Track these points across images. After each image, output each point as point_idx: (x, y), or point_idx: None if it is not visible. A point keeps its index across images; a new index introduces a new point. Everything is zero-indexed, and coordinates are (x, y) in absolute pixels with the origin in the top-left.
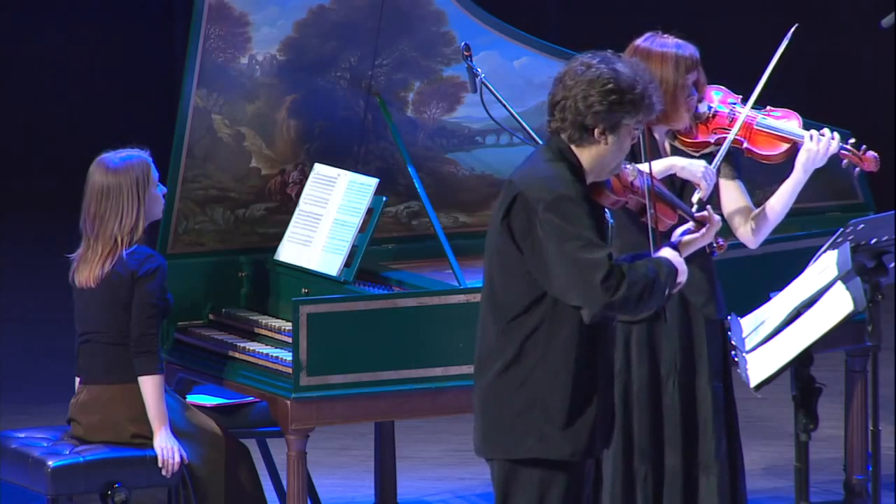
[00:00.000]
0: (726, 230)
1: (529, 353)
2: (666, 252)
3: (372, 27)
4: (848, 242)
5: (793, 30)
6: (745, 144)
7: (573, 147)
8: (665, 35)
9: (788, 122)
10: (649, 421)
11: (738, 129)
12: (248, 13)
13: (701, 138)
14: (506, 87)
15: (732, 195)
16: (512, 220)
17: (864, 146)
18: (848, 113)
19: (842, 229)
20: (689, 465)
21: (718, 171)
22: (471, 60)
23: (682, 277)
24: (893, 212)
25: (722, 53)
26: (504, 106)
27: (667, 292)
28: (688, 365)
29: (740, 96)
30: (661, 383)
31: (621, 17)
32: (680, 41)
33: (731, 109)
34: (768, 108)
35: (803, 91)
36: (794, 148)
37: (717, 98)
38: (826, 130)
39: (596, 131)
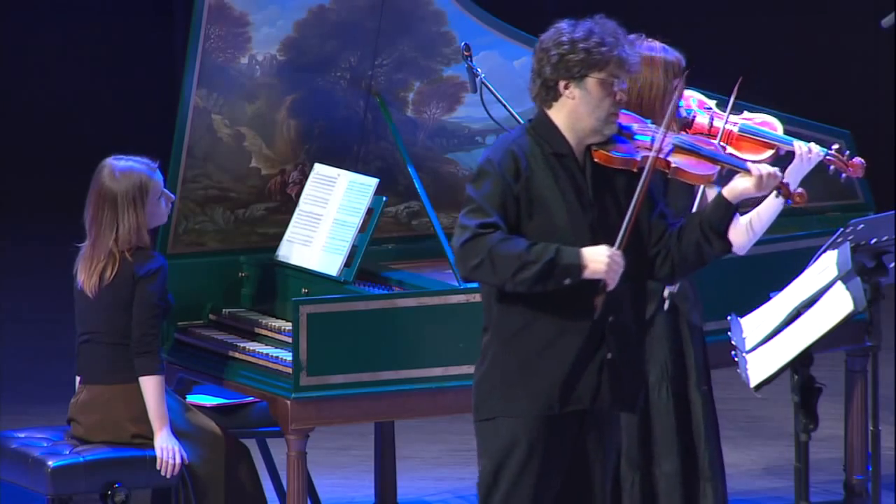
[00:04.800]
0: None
1: (489, 320)
2: (588, 249)
3: (372, 27)
4: (848, 242)
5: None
6: (728, 149)
7: (547, 111)
8: (650, 39)
9: (771, 128)
10: (639, 428)
11: (721, 138)
12: (248, 13)
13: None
14: (506, 87)
15: None
16: None
17: (847, 152)
18: (848, 113)
19: (842, 229)
20: (688, 471)
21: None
22: (471, 60)
23: (595, 275)
24: (893, 212)
25: (721, 53)
26: (504, 106)
27: (553, 281)
28: (679, 371)
29: (714, 101)
30: (650, 390)
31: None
32: (666, 46)
33: (711, 116)
34: (745, 112)
35: (803, 91)
36: (777, 155)
37: (693, 104)
38: (813, 144)
39: (560, 86)
